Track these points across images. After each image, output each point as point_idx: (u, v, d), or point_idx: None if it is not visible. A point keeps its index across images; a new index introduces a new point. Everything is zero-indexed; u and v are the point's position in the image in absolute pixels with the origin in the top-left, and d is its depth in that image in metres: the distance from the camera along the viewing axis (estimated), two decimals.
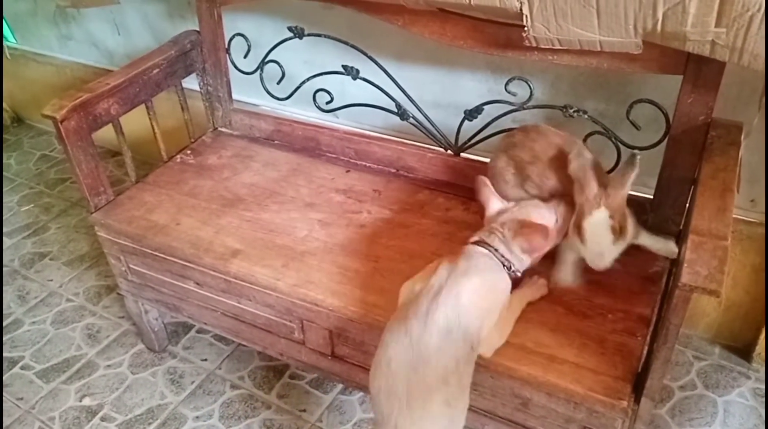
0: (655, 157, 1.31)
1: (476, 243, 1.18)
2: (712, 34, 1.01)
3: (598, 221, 1.12)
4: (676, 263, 1.25)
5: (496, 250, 1.16)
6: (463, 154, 1.56)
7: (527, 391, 1.15)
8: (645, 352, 1.13)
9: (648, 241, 1.22)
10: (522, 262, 1.19)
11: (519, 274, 1.19)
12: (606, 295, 1.25)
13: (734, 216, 1.38)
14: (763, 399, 1.57)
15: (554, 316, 1.22)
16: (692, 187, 1.28)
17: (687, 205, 1.31)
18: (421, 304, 1.09)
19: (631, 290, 1.26)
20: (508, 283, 1.16)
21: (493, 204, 1.23)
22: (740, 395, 1.59)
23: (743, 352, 1.67)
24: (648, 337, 1.16)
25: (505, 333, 1.17)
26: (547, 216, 1.20)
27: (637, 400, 1.06)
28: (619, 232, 1.13)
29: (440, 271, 1.13)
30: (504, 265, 1.16)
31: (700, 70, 1.17)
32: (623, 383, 1.08)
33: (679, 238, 1.34)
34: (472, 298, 1.09)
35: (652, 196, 1.36)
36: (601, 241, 1.14)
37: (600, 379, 1.09)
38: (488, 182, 1.25)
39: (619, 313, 1.21)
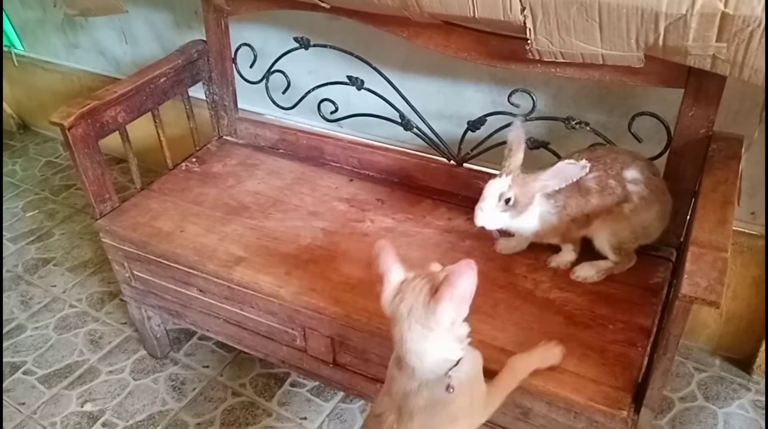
0: None
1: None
2: (713, 49, 1.02)
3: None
4: (676, 275, 1.26)
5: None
6: (465, 165, 1.57)
7: (527, 400, 1.16)
8: (645, 362, 1.14)
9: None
10: (454, 343, 0.96)
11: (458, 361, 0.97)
12: (607, 306, 1.26)
13: (735, 228, 1.40)
14: (763, 411, 1.57)
15: (555, 326, 1.23)
16: (693, 199, 1.29)
17: (688, 216, 1.32)
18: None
19: (632, 301, 1.27)
20: (447, 398, 0.97)
21: (395, 273, 0.96)
22: (740, 407, 1.59)
23: (744, 364, 1.67)
24: (648, 348, 1.17)
25: (494, 406, 1.07)
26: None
27: (637, 411, 1.07)
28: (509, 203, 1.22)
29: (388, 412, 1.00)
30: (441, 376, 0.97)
31: (701, 84, 1.18)
32: (623, 393, 1.09)
33: (680, 250, 1.35)
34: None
35: None
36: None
37: (600, 389, 1.10)
38: (389, 247, 0.98)
39: (619, 324, 1.22)
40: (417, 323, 0.92)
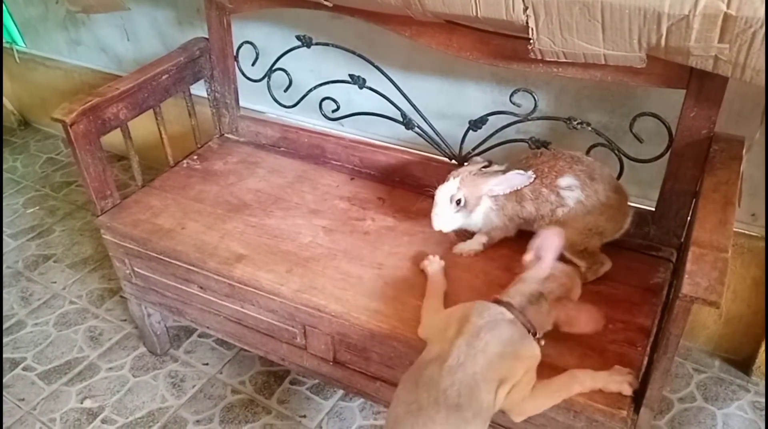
0: (657, 170, 1.32)
1: (500, 303, 1.10)
2: (715, 50, 1.03)
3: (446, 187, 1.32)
4: (677, 275, 1.26)
5: (521, 313, 1.08)
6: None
7: None
8: (645, 362, 1.14)
9: None
10: (543, 326, 1.11)
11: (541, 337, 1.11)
12: (607, 306, 1.26)
13: (735, 229, 1.40)
14: (762, 412, 1.57)
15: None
16: (694, 199, 1.29)
17: (689, 217, 1.32)
18: (434, 374, 1.02)
19: (631, 301, 1.27)
20: (534, 349, 1.08)
21: (549, 264, 1.14)
22: (739, 408, 1.59)
23: (743, 365, 1.68)
24: (648, 348, 1.17)
25: (541, 403, 1.08)
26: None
27: (637, 411, 1.07)
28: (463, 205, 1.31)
29: (459, 341, 1.05)
30: (529, 331, 1.08)
31: (703, 85, 1.18)
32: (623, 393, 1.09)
33: (681, 250, 1.35)
34: (488, 374, 1.02)
35: (654, 209, 1.37)
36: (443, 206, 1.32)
37: None
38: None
39: (619, 324, 1.22)
40: (528, 303, 1.10)
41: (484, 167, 1.34)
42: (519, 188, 1.30)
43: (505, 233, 1.40)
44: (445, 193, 1.32)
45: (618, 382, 1.08)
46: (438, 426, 0.99)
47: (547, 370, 1.13)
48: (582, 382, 1.09)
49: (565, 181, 1.28)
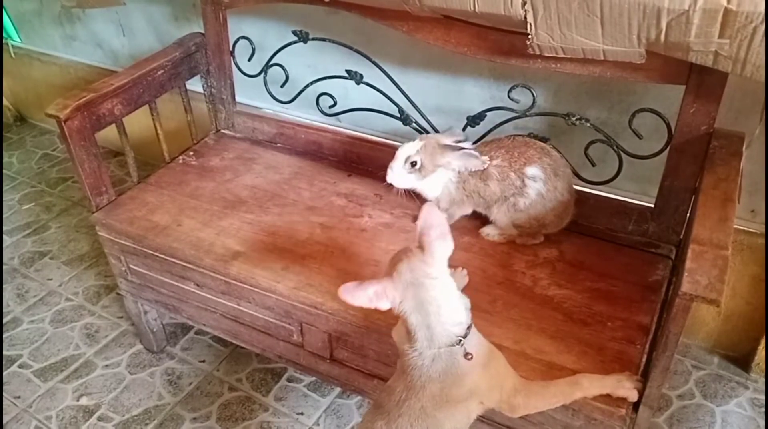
0: (656, 166, 1.32)
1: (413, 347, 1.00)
2: (715, 45, 1.02)
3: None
4: (676, 272, 1.26)
5: (433, 348, 0.99)
6: None
7: None
8: (644, 360, 1.14)
9: None
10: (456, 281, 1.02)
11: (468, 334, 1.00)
12: (606, 303, 1.26)
13: (735, 226, 1.39)
14: (761, 409, 1.57)
15: (554, 322, 1.22)
16: (693, 196, 1.28)
17: (688, 214, 1.31)
18: (384, 401, 1.03)
19: (631, 298, 1.26)
20: (468, 369, 1.00)
21: (384, 287, 0.99)
22: (738, 405, 1.59)
23: (742, 362, 1.67)
24: (647, 346, 1.16)
25: (534, 403, 1.06)
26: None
27: (636, 409, 1.06)
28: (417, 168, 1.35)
29: (400, 384, 1.02)
30: (454, 344, 0.99)
31: (703, 81, 1.17)
32: None
33: (680, 247, 1.34)
34: (437, 407, 1.00)
35: (653, 205, 1.36)
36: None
37: None
38: (354, 286, 0.98)
39: (618, 321, 1.22)
40: (426, 278, 0.97)
41: (459, 142, 1.36)
42: (474, 170, 1.34)
43: (462, 211, 1.44)
44: (404, 152, 1.36)
45: (627, 388, 1.06)
46: None
47: (545, 368, 1.13)
48: (586, 389, 1.06)
49: (532, 170, 1.32)
